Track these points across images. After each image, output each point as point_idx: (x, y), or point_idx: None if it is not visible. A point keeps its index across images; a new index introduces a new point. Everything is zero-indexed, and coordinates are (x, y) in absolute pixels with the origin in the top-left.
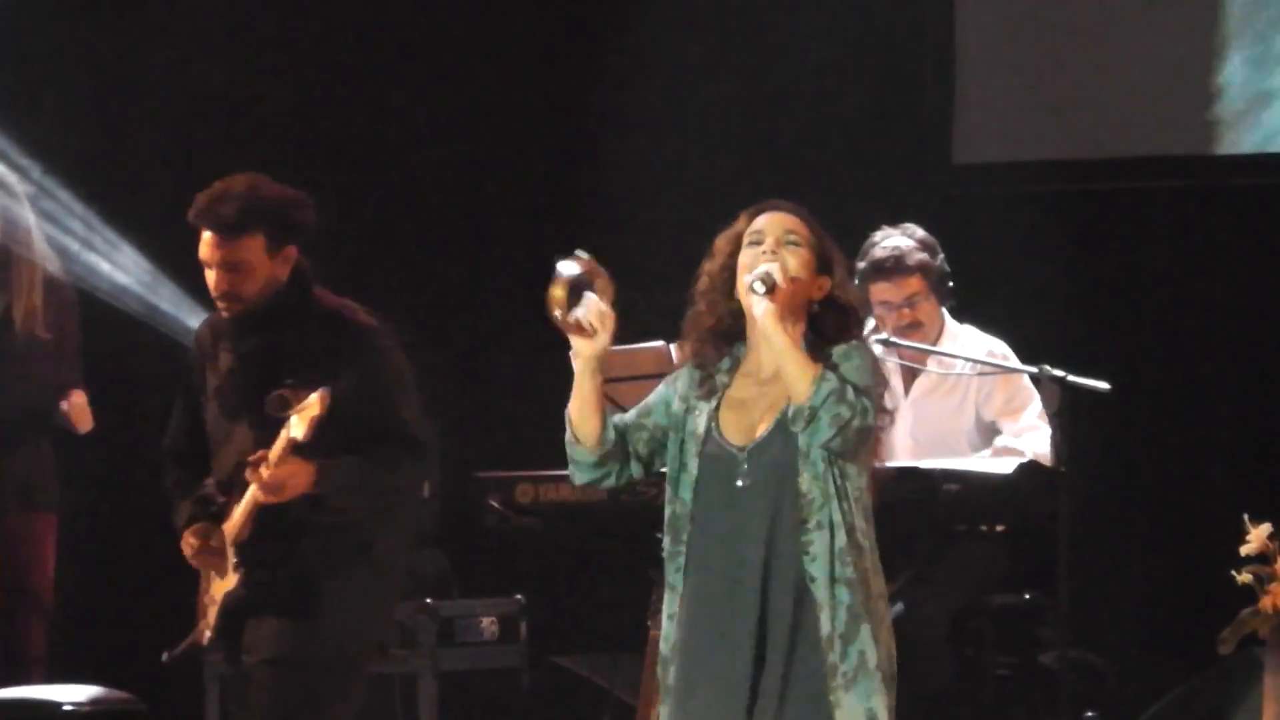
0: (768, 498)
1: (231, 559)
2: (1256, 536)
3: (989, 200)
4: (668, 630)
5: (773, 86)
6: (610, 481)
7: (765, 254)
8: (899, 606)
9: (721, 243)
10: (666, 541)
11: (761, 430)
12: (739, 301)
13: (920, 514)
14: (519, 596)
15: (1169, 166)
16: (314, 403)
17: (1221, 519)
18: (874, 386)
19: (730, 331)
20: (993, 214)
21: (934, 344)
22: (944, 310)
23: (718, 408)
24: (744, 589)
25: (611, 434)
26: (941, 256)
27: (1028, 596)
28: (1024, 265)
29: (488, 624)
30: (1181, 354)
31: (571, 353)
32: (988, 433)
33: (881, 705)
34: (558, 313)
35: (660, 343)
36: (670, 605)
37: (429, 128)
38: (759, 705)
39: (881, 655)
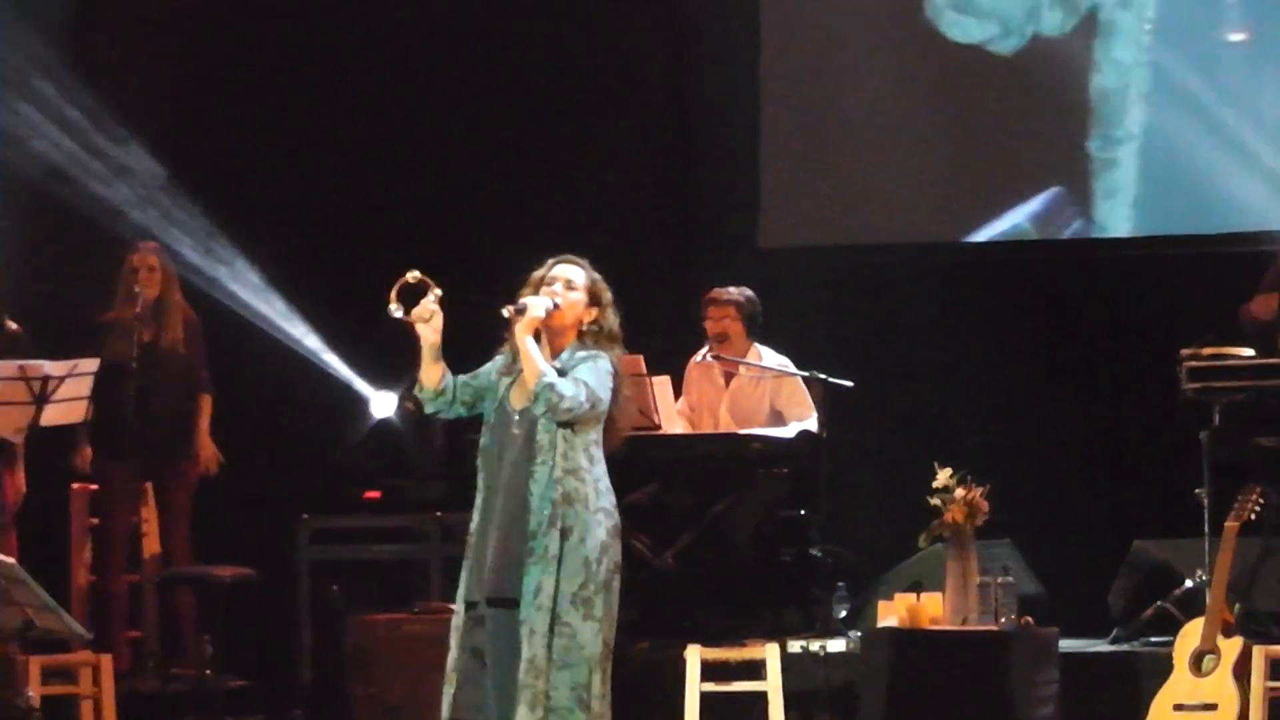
0: (524, 442)
1: None
2: (942, 476)
3: (787, 278)
4: (473, 520)
5: (594, 179)
6: (446, 414)
7: (552, 292)
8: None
9: (534, 278)
10: (479, 462)
11: (528, 400)
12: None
13: (736, 461)
14: None
15: (923, 251)
16: None
17: (922, 466)
18: (603, 383)
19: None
20: (791, 289)
21: (743, 357)
22: (754, 341)
23: (511, 383)
24: (509, 496)
25: (446, 382)
26: (755, 308)
27: (802, 513)
28: (806, 324)
29: None
30: (906, 366)
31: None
32: (776, 414)
33: (549, 579)
34: (398, 313)
35: (639, 356)
36: (476, 505)
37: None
38: (504, 560)
39: (563, 546)
